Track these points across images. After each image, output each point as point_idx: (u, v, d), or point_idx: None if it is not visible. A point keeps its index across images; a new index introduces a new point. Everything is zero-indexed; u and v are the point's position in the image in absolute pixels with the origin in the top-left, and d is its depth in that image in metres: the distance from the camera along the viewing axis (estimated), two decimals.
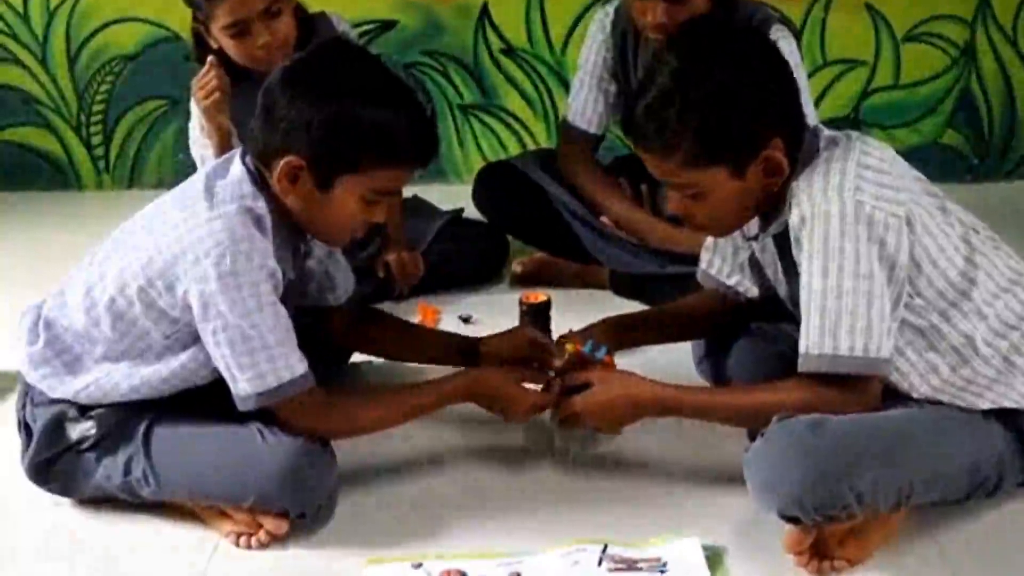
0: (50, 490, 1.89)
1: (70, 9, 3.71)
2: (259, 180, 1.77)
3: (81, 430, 1.83)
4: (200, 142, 2.54)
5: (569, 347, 1.98)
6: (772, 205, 1.76)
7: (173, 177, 3.80)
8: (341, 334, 2.15)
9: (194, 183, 1.80)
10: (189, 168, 3.73)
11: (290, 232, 1.82)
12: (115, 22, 3.73)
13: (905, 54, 3.69)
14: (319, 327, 2.05)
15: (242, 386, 1.75)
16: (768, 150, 1.69)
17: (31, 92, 3.81)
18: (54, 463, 1.85)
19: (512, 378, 1.95)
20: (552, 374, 1.99)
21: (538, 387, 1.97)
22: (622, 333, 2.09)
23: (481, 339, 2.12)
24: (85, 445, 1.83)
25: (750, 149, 1.69)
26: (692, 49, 1.72)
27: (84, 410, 1.83)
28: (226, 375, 1.76)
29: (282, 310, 1.76)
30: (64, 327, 1.84)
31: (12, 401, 1.95)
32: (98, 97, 3.81)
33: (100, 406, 1.83)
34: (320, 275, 2.01)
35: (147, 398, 1.83)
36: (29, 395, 1.88)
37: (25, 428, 1.88)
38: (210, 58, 2.40)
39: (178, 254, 1.72)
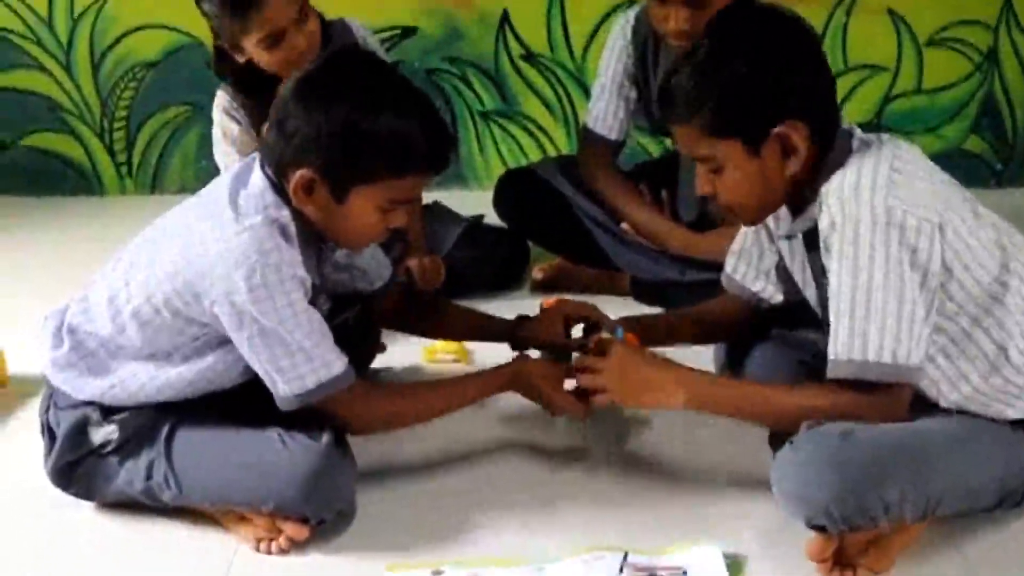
0: (73, 493, 1.90)
1: (94, 16, 3.74)
2: (280, 189, 1.78)
3: (104, 434, 1.84)
4: (222, 149, 2.55)
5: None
6: (801, 200, 1.76)
7: (195, 183, 3.82)
8: (385, 316, 2.20)
9: (218, 191, 1.80)
10: (212, 174, 3.76)
11: (312, 237, 1.83)
12: (138, 29, 3.75)
13: (928, 59, 3.68)
14: (364, 310, 2.09)
15: (283, 388, 1.77)
16: (782, 128, 1.69)
17: (55, 98, 3.84)
18: (77, 466, 1.86)
19: (553, 374, 1.96)
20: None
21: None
22: (642, 332, 2.09)
23: (519, 321, 2.16)
24: (108, 449, 1.84)
25: (763, 124, 1.69)
26: (726, 28, 1.74)
27: (107, 414, 1.84)
28: (266, 379, 1.78)
29: (315, 313, 1.77)
30: (88, 332, 1.85)
31: (36, 405, 1.96)
32: (121, 103, 3.84)
33: (124, 409, 1.84)
34: (346, 270, 2.02)
35: (172, 399, 1.84)
36: (53, 399, 1.89)
37: (48, 431, 1.89)
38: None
39: (206, 268, 1.72)
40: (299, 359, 1.75)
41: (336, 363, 1.78)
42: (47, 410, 1.90)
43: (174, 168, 3.90)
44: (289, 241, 1.75)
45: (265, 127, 1.85)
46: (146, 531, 1.88)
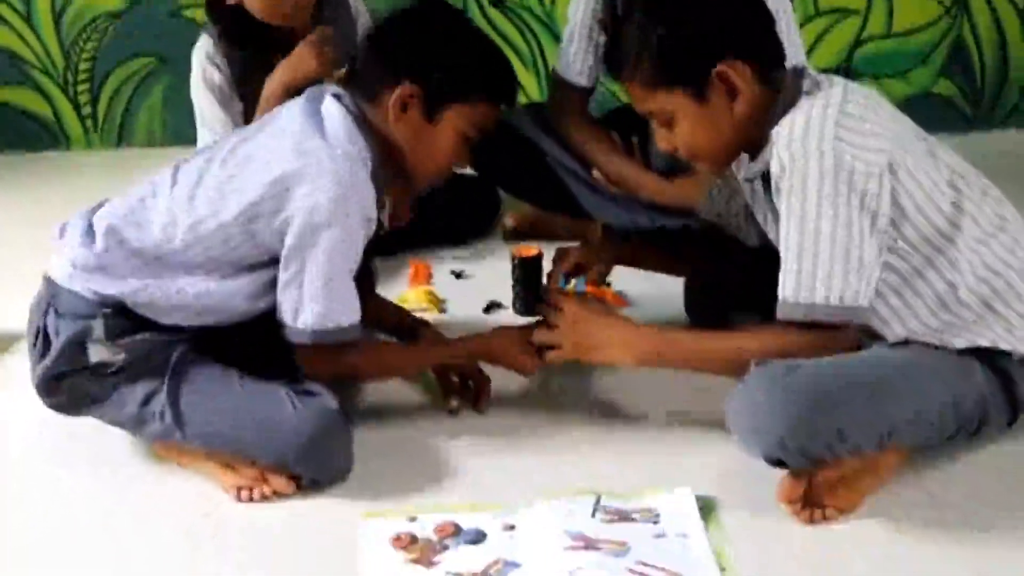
0: (51, 404, 1.88)
1: None
2: (362, 121, 1.85)
3: (106, 355, 1.82)
4: (202, 95, 2.54)
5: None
6: (757, 143, 1.77)
7: (163, 135, 3.80)
8: None
9: (290, 124, 1.84)
10: (176, 126, 3.72)
11: (381, 178, 1.86)
12: None
13: (897, 3, 3.69)
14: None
15: (305, 319, 1.80)
16: (721, 68, 1.70)
17: (16, 51, 3.79)
18: (65, 378, 1.84)
19: (520, 341, 1.97)
20: None
21: None
22: (621, 248, 2.11)
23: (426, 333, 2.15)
24: (108, 371, 1.82)
25: (702, 68, 1.72)
26: None
27: (113, 335, 1.81)
28: (287, 305, 1.80)
29: (358, 261, 1.85)
30: (132, 236, 1.83)
31: (8, 361, 1.94)
32: (84, 55, 3.80)
33: (134, 332, 1.82)
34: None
35: (201, 316, 1.84)
36: (52, 304, 1.85)
37: (44, 336, 1.85)
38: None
39: (292, 179, 1.77)
40: (335, 297, 1.80)
41: (357, 313, 1.83)
42: (45, 313, 1.86)
43: (140, 121, 3.86)
44: (366, 163, 1.81)
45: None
46: (124, 476, 1.89)
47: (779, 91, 1.74)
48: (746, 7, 1.77)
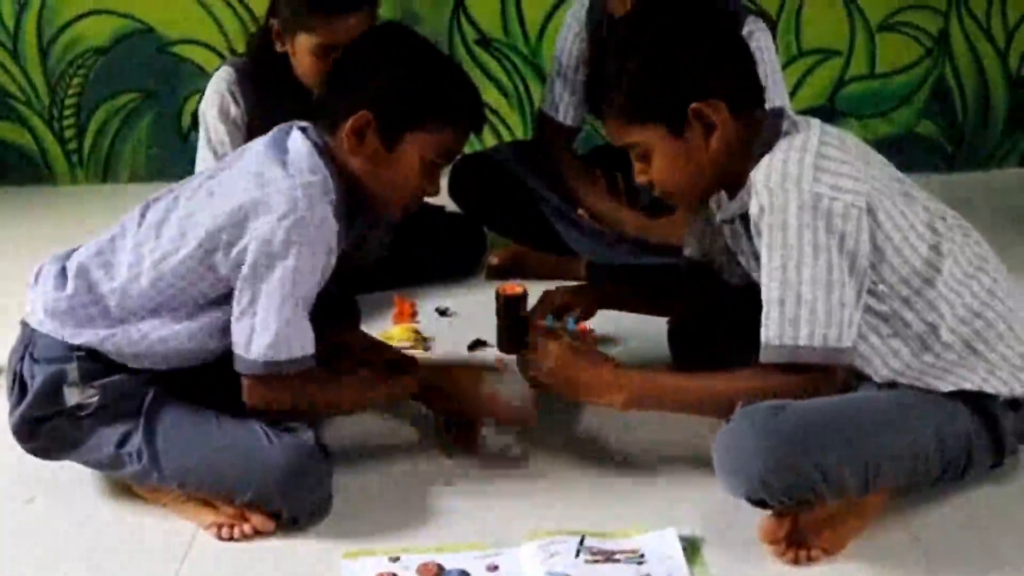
0: (30, 449, 1.87)
1: (41, 1, 3.69)
2: (324, 151, 1.83)
3: (82, 396, 1.81)
4: (213, 124, 2.53)
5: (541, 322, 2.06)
6: (735, 182, 1.78)
7: (147, 171, 3.80)
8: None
9: (255, 158, 1.83)
10: (162, 162, 3.73)
11: (347, 209, 1.85)
12: (87, 15, 3.70)
13: (880, 44, 3.72)
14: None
15: (257, 347, 1.76)
16: (697, 105, 1.71)
17: (2, 85, 3.78)
18: (44, 423, 1.83)
19: (479, 380, 1.99)
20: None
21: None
22: (605, 291, 2.11)
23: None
24: (83, 412, 1.81)
25: (677, 104, 1.73)
26: (638, 16, 1.80)
27: (87, 377, 1.81)
28: (240, 336, 1.77)
29: (314, 294, 1.81)
30: (101, 278, 1.83)
31: None
32: (70, 90, 3.79)
33: (107, 373, 1.81)
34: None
35: (167, 358, 1.83)
36: (29, 349, 1.84)
37: (20, 382, 1.84)
38: None
39: (249, 208, 1.75)
40: (289, 327, 1.76)
41: (310, 344, 1.80)
42: (21, 359, 1.85)
43: (126, 156, 3.86)
44: (332, 207, 1.79)
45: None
46: (101, 514, 1.88)
47: (757, 130, 1.75)
48: (725, 45, 1.78)
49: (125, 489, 1.91)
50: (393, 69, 1.83)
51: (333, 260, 1.82)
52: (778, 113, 1.78)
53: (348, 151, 1.83)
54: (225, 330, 1.81)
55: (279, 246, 1.73)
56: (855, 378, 1.77)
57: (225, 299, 1.80)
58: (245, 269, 1.75)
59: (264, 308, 1.75)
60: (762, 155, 1.72)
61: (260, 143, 1.87)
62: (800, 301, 1.65)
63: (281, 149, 1.83)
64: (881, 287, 1.71)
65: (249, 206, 1.75)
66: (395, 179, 1.86)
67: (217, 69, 2.62)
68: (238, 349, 1.78)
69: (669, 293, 2.22)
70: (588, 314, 2.21)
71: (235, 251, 1.76)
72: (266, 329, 1.75)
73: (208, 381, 1.86)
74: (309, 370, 1.80)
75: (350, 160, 1.84)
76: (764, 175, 1.69)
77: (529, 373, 1.94)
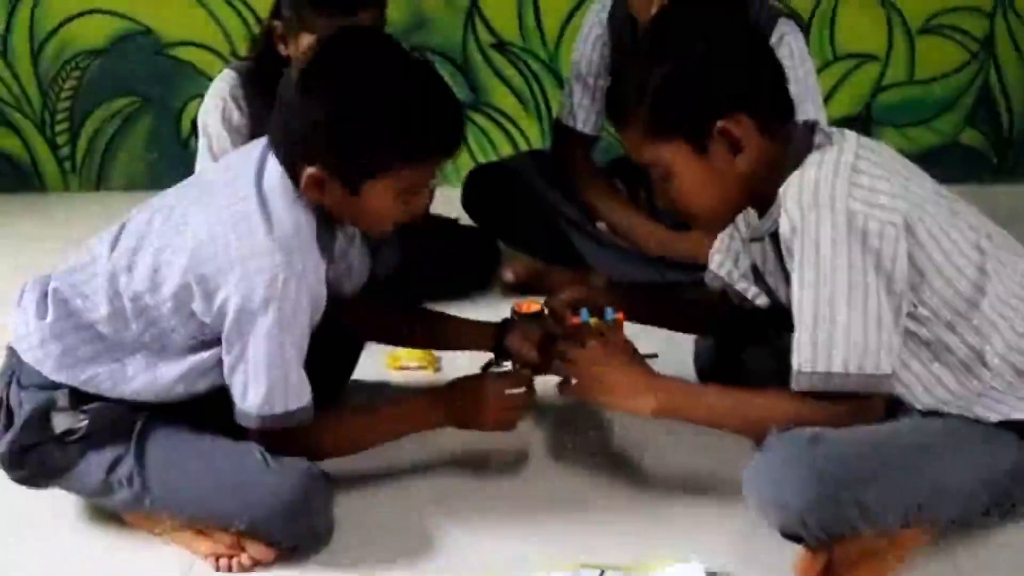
0: (17, 478, 1.87)
1: (33, 1, 3.71)
2: (296, 179, 1.79)
3: (70, 422, 1.81)
4: (215, 129, 2.54)
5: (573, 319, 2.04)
6: (765, 200, 1.77)
7: (144, 178, 3.81)
8: (358, 323, 2.17)
9: (241, 176, 1.79)
10: (160, 170, 3.73)
11: (325, 228, 1.84)
12: (82, 14, 3.73)
13: (920, 48, 3.71)
14: (333, 318, 2.02)
15: (250, 403, 1.77)
16: (723, 122, 1.71)
17: None
18: (32, 450, 1.83)
19: (492, 389, 1.97)
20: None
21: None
22: (628, 303, 2.09)
23: (504, 326, 2.17)
24: (72, 438, 1.81)
25: (701, 120, 1.72)
26: (660, 25, 1.81)
27: (77, 402, 1.82)
28: (236, 387, 1.78)
29: (307, 338, 1.79)
30: (81, 307, 1.83)
31: None
32: (63, 94, 3.82)
33: (98, 398, 1.82)
34: (340, 260, 2.01)
35: (152, 400, 1.83)
36: (15, 375, 1.85)
37: (6, 410, 1.85)
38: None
39: (227, 264, 1.73)
40: (278, 381, 1.76)
41: (305, 395, 1.80)
42: (7, 386, 1.86)
43: (121, 163, 3.88)
44: (311, 239, 1.77)
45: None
46: (92, 546, 1.88)
47: (787, 145, 1.74)
48: (753, 57, 1.77)
49: (116, 518, 1.91)
50: (338, 115, 1.71)
51: (323, 299, 1.81)
52: (810, 126, 1.77)
53: (310, 201, 1.78)
54: (215, 369, 1.81)
55: (259, 303, 1.72)
56: (895, 406, 1.75)
57: (214, 343, 1.80)
58: (227, 323, 1.75)
59: (253, 363, 1.75)
60: (793, 170, 1.71)
61: (239, 166, 1.83)
62: (834, 324, 1.64)
63: (258, 178, 1.78)
64: (922, 310, 1.69)
65: (224, 256, 1.73)
66: (368, 216, 1.83)
67: (219, 73, 2.63)
68: (236, 399, 1.79)
69: (695, 309, 2.21)
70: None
71: (216, 304, 1.74)
72: (257, 383, 1.76)
73: (205, 402, 1.86)
74: (319, 417, 1.82)
75: (317, 203, 1.79)
76: (795, 192, 1.68)
77: (559, 384, 1.93)
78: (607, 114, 1.85)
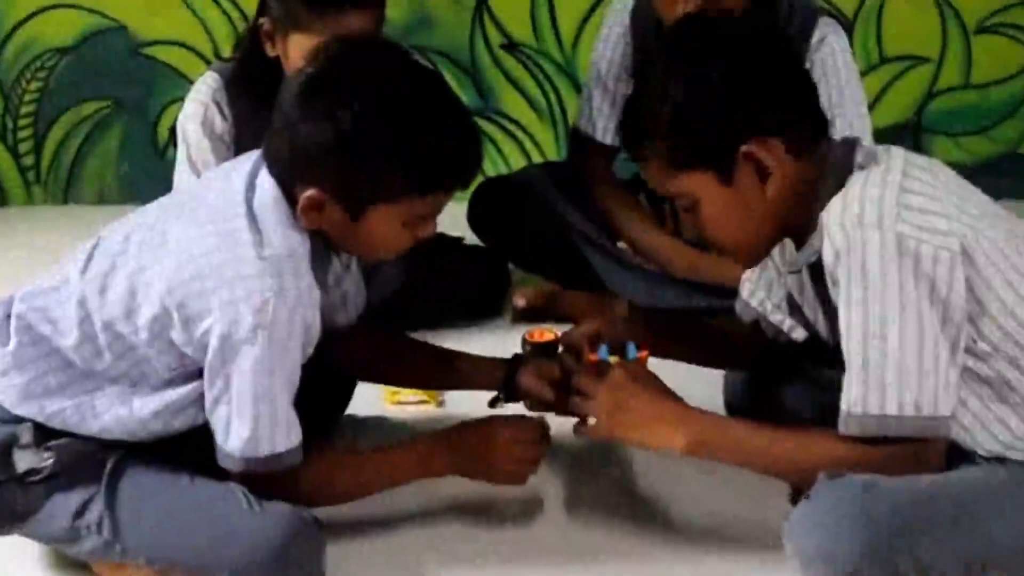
0: None
1: None
2: (291, 198, 1.79)
3: (34, 461, 1.81)
4: (194, 139, 2.55)
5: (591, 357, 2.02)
6: (802, 227, 1.78)
7: (117, 191, 3.83)
8: (351, 360, 2.18)
9: (230, 191, 1.80)
10: (134, 181, 3.74)
11: (321, 253, 1.85)
12: (48, 9, 3.76)
13: (977, 49, 3.72)
14: (323, 353, 2.02)
15: (233, 443, 1.77)
16: (748, 147, 1.71)
17: None
18: None
19: (503, 439, 1.97)
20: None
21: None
22: (652, 336, 2.10)
23: (514, 363, 2.16)
24: (36, 477, 1.81)
25: (723, 147, 1.72)
26: (675, 46, 1.80)
27: (42, 438, 1.82)
28: (218, 425, 1.78)
29: (297, 374, 1.79)
30: (46, 333, 1.83)
31: None
32: (27, 97, 3.84)
33: (65, 434, 1.82)
34: (335, 288, 2.01)
35: (127, 437, 1.83)
36: None
37: None
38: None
39: (211, 289, 1.73)
40: (264, 420, 1.76)
41: (293, 436, 1.79)
42: None
43: (92, 174, 3.89)
44: (305, 263, 1.77)
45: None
46: None
47: (824, 167, 1.75)
48: (779, 73, 1.76)
49: (83, 568, 1.91)
50: (342, 134, 1.71)
51: (317, 328, 1.81)
52: (850, 143, 1.77)
53: (308, 224, 1.78)
54: (195, 405, 1.81)
55: (245, 333, 1.71)
56: (955, 452, 1.75)
57: (195, 375, 1.80)
58: (210, 354, 1.75)
59: (237, 399, 1.75)
60: (834, 193, 1.71)
61: (231, 177, 1.83)
62: (886, 361, 1.64)
63: (248, 200, 1.79)
64: (981, 344, 1.69)
65: (209, 279, 1.73)
66: (371, 242, 1.84)
67: (200, 75, 2.65)
68: (218, 439, 1.79)
69: (726, 345, 2.21)
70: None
71: (198, 332, 1.74)
72: (241, 422, 1.76)
73: (182, 439, 1.86)
74: (308, 461, 1.81)
75: (315, 227, 1.80)
76: (838, 216, 1.68)
77: (575, 403, 1.92)
78: (622, 145, 1.85)
